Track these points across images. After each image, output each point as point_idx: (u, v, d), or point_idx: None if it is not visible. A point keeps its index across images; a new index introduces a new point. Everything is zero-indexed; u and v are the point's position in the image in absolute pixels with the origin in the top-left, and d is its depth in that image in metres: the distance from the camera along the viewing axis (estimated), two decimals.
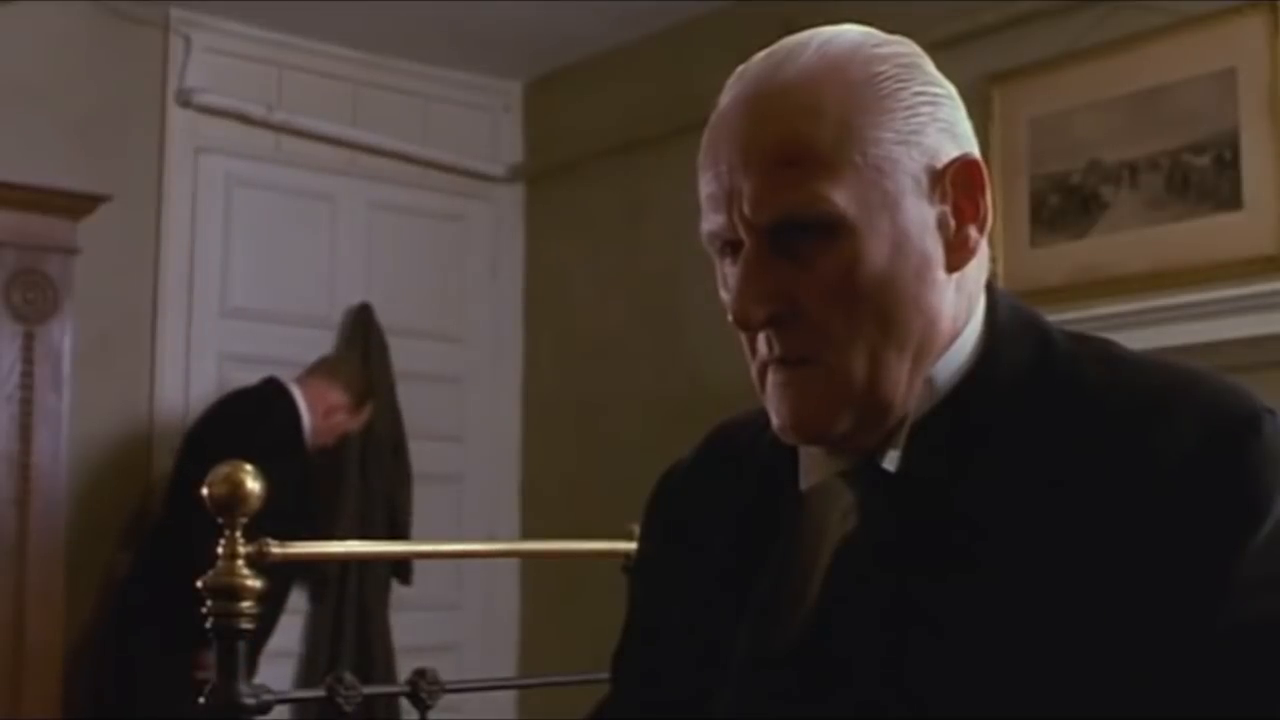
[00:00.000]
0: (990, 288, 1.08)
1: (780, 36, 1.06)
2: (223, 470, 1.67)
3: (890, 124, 1.00)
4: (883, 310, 1.00)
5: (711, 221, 1.04)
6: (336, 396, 4.17)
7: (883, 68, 1.02)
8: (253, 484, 1.66)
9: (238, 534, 1.67)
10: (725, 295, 1.05)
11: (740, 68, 1.06)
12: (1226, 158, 3.34)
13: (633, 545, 1.42)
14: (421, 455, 4.74)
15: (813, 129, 0.99)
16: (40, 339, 3.85)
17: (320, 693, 1.81)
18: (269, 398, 4.07)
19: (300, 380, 4.16)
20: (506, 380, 5.18)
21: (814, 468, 1.07)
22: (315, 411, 4.11)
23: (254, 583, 1.66)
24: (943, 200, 1.03)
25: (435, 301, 5.04)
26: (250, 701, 1.66)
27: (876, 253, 1.00)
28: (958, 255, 1.03)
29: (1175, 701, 0.92)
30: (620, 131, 4.77)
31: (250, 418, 4.00)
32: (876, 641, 0.98)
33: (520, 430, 5.18)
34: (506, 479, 5.15)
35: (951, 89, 1.06)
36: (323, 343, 4.68)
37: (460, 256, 5.14)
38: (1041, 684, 0.93)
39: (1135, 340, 1.08)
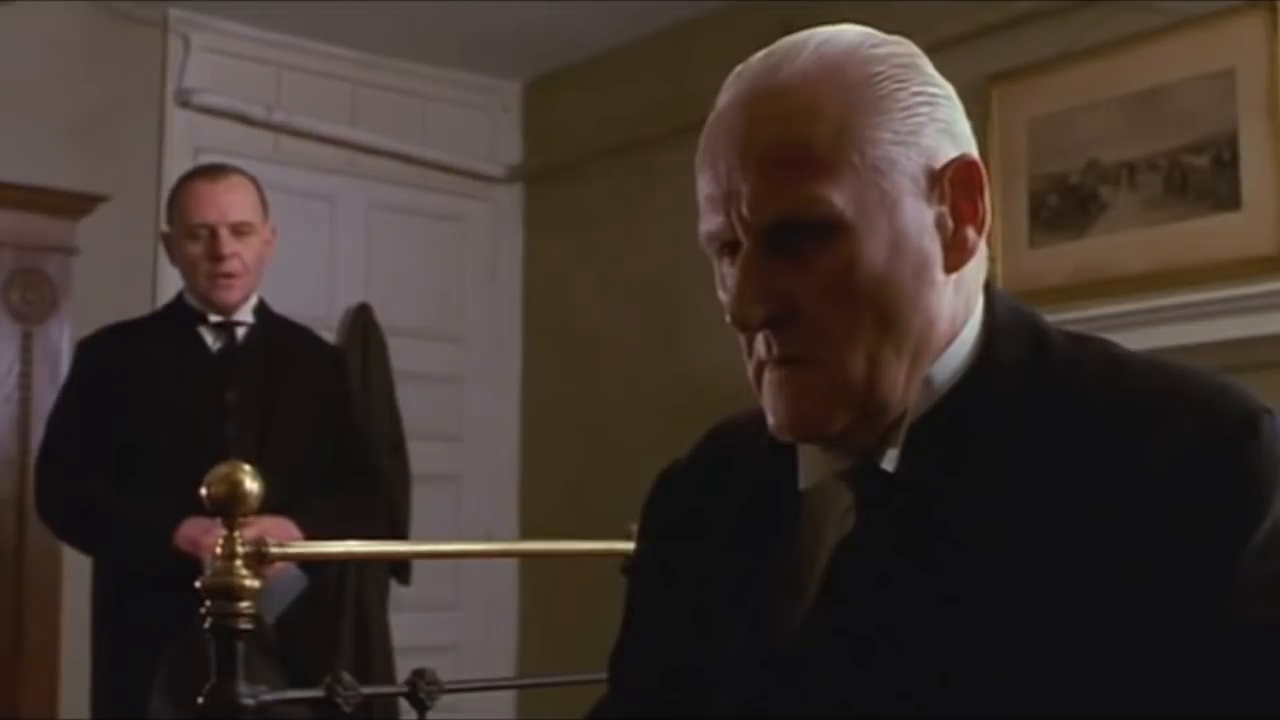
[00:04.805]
0: (988, 288, 1.07)
1: (779, 37, 1.06)
2: (221, 470, 1.67)
3: (888, 124, 1.00)
4: (881, 310, 1.00)
5: (710, 222, 1.04)
6: None
7: (880, 68, 1.02)
8: (251, 484, 1.66)
9: (236, 534, 1.67)
10: (724, 296, 1.05)
11: (738, 68, 1.06)
12: (1225, 158, 3.34)
13: (631, 545, 1.41)
14: (421, 455, 4.73)
15: (810, 129, 0.99)
16: (39, 339, 3.85)
17: (319, 693, 1.81)
18: None
19: None
20: (506, 380, 5.18)
21: (812, 467, 1.07)
22: None
23: (252, 583, 1.66)
24: (941, 200, 1.02)
25: (434, 301, 5.04)
26: (249, 702, 1.65)
27: (875, 253, 1.00)
28: (956, 255, 1.03)
29: (1175, 702, 0.92)
30: (620, 131, 4.77)
31: None
32: (875, 641, 0.98)
33: (519, 430, 5.18)
34: (506, 479, 5.15)
35: (950, 89, 1.06)
36: None
37: (459, 256, 5.14)
38: (1040, 684, 0.93)
39: (1134, 340, 1.08)
